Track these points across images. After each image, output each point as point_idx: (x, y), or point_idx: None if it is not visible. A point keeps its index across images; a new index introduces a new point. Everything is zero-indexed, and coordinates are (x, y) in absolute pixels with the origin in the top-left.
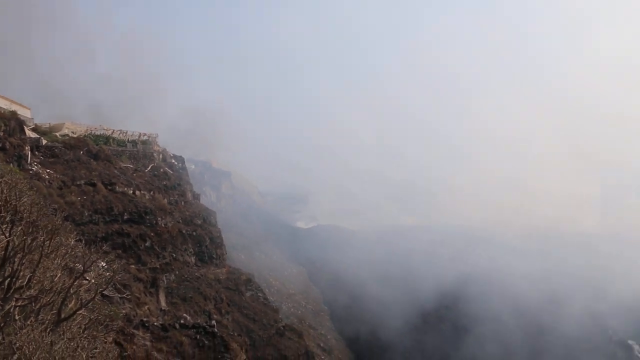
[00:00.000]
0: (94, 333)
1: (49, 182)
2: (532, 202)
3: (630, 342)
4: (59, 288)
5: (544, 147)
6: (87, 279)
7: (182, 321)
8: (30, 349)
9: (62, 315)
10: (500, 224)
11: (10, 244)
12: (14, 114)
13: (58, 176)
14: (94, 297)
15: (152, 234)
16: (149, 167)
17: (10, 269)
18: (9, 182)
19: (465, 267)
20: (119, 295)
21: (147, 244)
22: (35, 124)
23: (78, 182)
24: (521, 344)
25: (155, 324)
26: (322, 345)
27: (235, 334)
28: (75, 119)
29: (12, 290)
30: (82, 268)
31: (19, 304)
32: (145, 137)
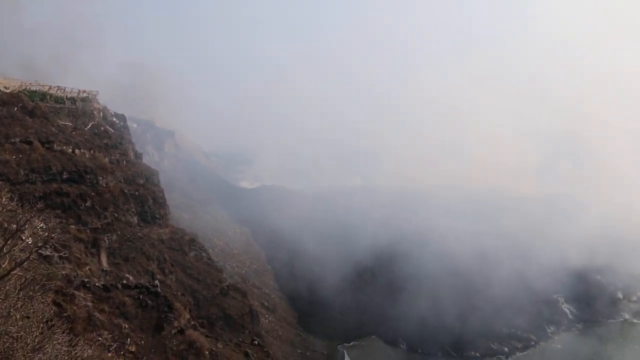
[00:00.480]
0: (30, 293)
1: None
2: (471, 168)
3: (555, 295)
4: None
5: (484, 115)
6: (22, 238)
7: (124, 281)
8: None
9: None
10: (440, 187)
11: None
12: None
13: None
14: (29, 257)
15: (92, 194)
16: (89, 125)
17: None
18: None
19: (403, 227)
20: (58, 255)
21: (88, 203)
22: None
23: (12, 140)
24: (453, 302)
25: (96, 284)
26: (266, 304)
27: (179, 294)
28: (6, 74)
29: None
30: (16, 227)
31: None
32: (85, 94)
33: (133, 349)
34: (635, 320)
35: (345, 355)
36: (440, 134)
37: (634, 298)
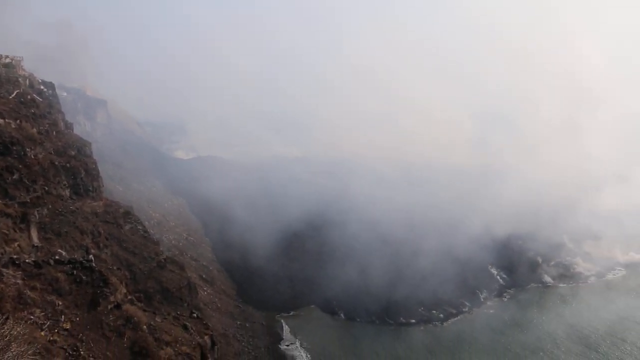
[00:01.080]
0: None
1: None
2: (405, 141)
3: (485, 263)
4: None
5: (419, 92)
6: None
7: (57, 257)
8: None
9: None
10: (375, 158)
11: None
12: None
13: None
14: None
15: (20, 166)
16: (14, 94)
17: None
18: None
19: (337, 198)
20: None
21: (15, 176)
22: None
23: None
24: (387, 270)
25: (27, 260)
26: (204, 276)
27: (115, 268)
28: None
29: None
30: None
31: None
32: (8, 60)
33: (68, 326)
34: (559, 284)
35: (284, 325)
36: (377, 108)
37: (552, 263)
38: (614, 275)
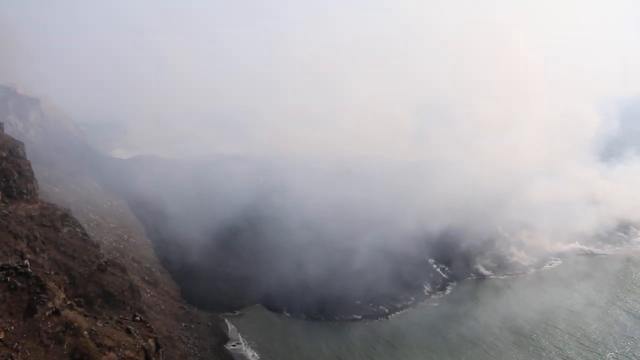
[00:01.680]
0: None
1: None
2: (345, 136)
3: (427, 257)
4: None
5: (354, 85)
6: None
7: None
8: None
9: None
10: (316, 155)
11: None
12: None
13: None
14: None
15: None
16: None
17: None
18: None
19: (276, 196)
20: None
21: None
22: None
23: None
24: (331, 267)
25: None
26: (147, 278)
27: (53, 273)
28: None
29: None
30: None
31: None
32: None
33: (1, 336)
34: (499, 276)
35: (230, 324)
36: (315, 103)
37: (490, 256)
38: (550, 265)
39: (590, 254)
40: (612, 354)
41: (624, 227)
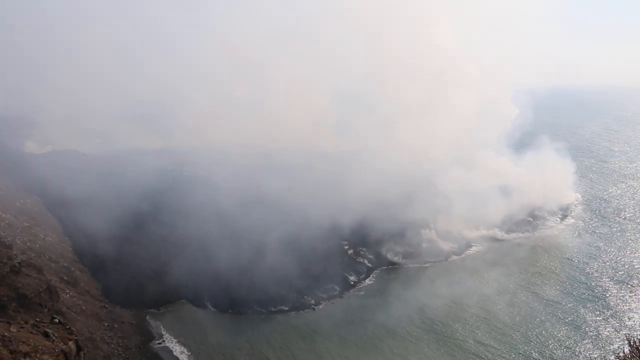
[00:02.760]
0: None
1: None
2: (271, 126)
3: (348, 245)
4: None
5: (280, 74)
6: None
7: None
8: None
9: None
10: (240, 147)
11: None
12: None
13: None
14: None
15: None
16: None
17: None
18: None
19: (198, 190)
20: None
21: None
22: None
23: None
24: (255, 259)
25: None
26: (65, 278)
27: None
28: None
29: None
30: None
31: None
32: None
33: None
34: (422, 265)
35: (155, 322)
36: (240, 92)
37: (411, 243)
38: (467, 252)
39: (502, 240)
40: (520, 335)
41: (535, 214)
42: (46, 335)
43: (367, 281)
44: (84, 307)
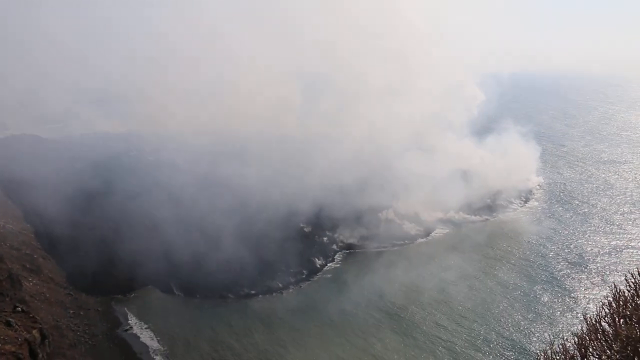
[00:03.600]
0: None
1: None
2: (230, 112)
3: (309, 229)
4: None
5: (246, 52)
6: None
7: None
8: None
9: None
10: (203, 133)
11: None
12: None
13: None
14: None
15: None
16: None
17: None
18: None
19: (159, 174)
20: None
21: None
22: None
23: None
24: (222, 242)
25: None
26: (28, 266)
27: None
28: None
29: None
30: None
31: None
32: None
33: None
34: (388, 248)
35: (122, 308)
36: (204, 73)
37: (376, 225)
38: (431, 235)
39: (462, 224)
40: (478, 317)
41: (496, 198)
42: (8, 324)
43: (331, 265)
44: (48, 295)
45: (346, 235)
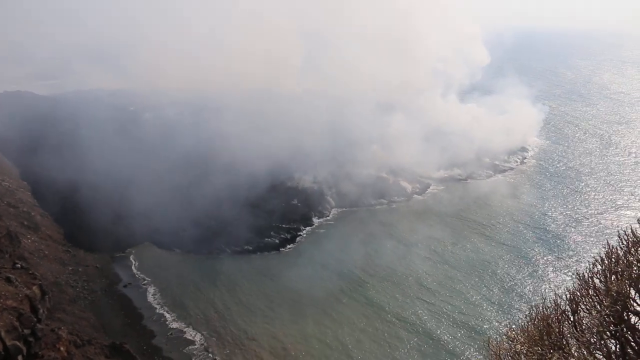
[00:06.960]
0: None
1: None
2: (228, 73)
3: (318, 190)
4: None
5: (247, 11)
6: None
7: None
8: None
9: None
10: (192, 90)
11: None
12: None
13: None
14: None
15: None
16: None
17: None
18: None
19: (155, 132)
20: None
21: None
22: None
23: None
24: (205, 200)
25: None
26: (26, 223)
27: None
28: None
29: None
30: None
31: None
32: None
33: None
34: (380, 206)
35: (120, 264)
36: (201, 29)
37: (372, 184)
38: (428, 192)
39: (459, 182)
40: (464, 276)
41: (495, 158)
42: (9, 280)
43: (327, 221)
44: (46, 252)
45: (345, 192)
